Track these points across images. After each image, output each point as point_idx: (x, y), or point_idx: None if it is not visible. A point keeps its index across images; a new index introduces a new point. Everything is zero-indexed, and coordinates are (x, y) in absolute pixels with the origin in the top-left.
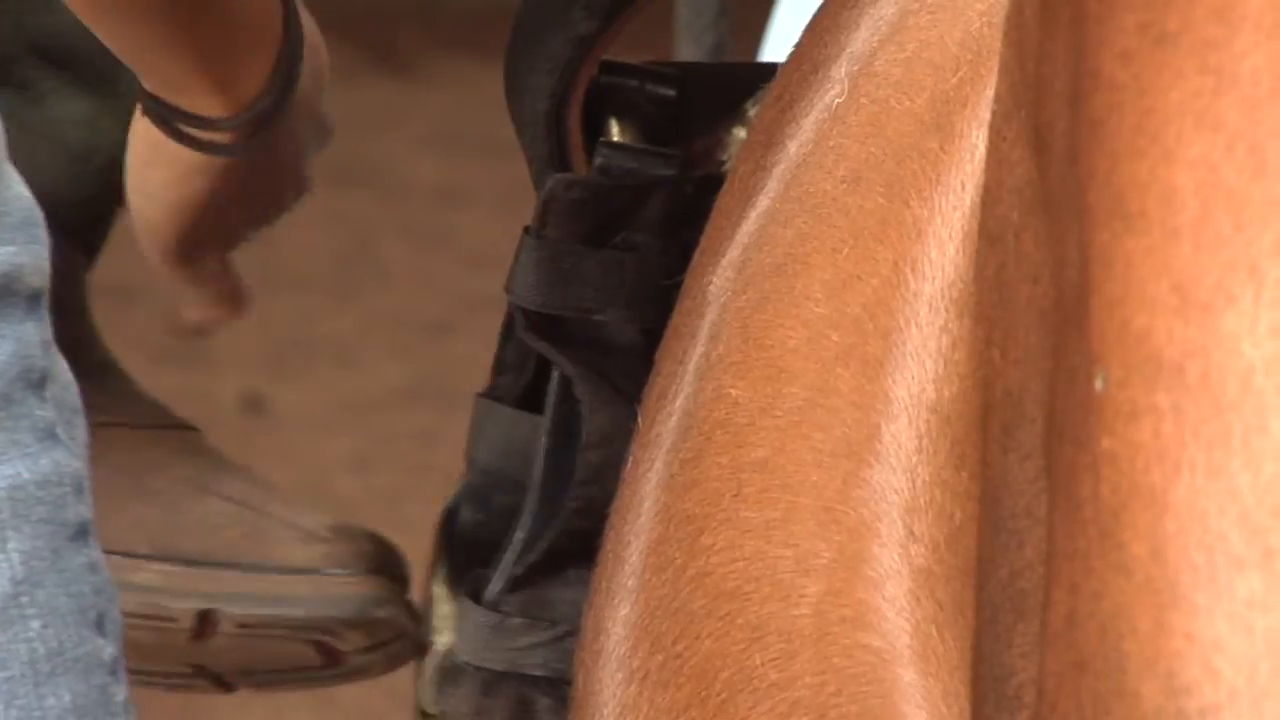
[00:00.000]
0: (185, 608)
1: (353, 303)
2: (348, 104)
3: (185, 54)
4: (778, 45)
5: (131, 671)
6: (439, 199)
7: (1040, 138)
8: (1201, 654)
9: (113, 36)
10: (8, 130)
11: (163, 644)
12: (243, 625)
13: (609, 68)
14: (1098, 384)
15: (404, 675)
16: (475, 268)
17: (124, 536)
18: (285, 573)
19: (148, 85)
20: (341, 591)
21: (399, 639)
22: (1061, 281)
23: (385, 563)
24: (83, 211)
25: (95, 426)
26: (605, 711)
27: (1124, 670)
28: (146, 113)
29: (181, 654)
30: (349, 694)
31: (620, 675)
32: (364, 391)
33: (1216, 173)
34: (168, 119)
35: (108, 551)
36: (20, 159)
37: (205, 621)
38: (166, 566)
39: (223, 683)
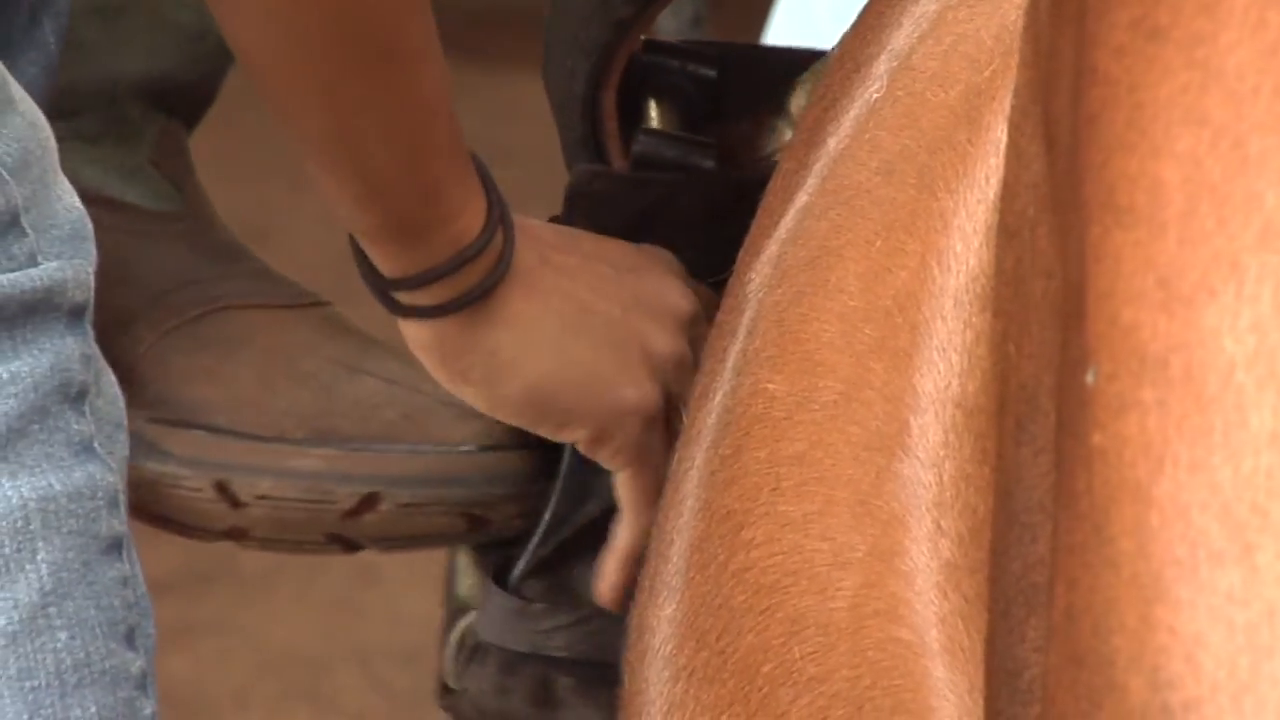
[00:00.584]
0: (349, 491)
1: (353, 307)
2: None
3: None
4: (782, 27)
5: (259, 539)
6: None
7: (1050, 132)
8: (1184, 648)
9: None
10: (128, 16)
11: (311, 521)
12: (403, 505)
13: (651, 46)
14: (1090, 377)
15: (403, 676)
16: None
17: (279, 421)
18: (446, 452)
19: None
20: (500, 468)
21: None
22: (1066, 275)
23: (534, 435)
24: (194, 91)
25: (234, 309)
26: (653, 710)
27: (1113, 664)
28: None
29: (326, 528)
30: (350, 695)
31: (667, 673)
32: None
33: (1201, 167)
34: (383, 288)
35: (263, 439)
36: (137, 45)
37: (366, 503)
38: (328, 450)
39: (353, 547)
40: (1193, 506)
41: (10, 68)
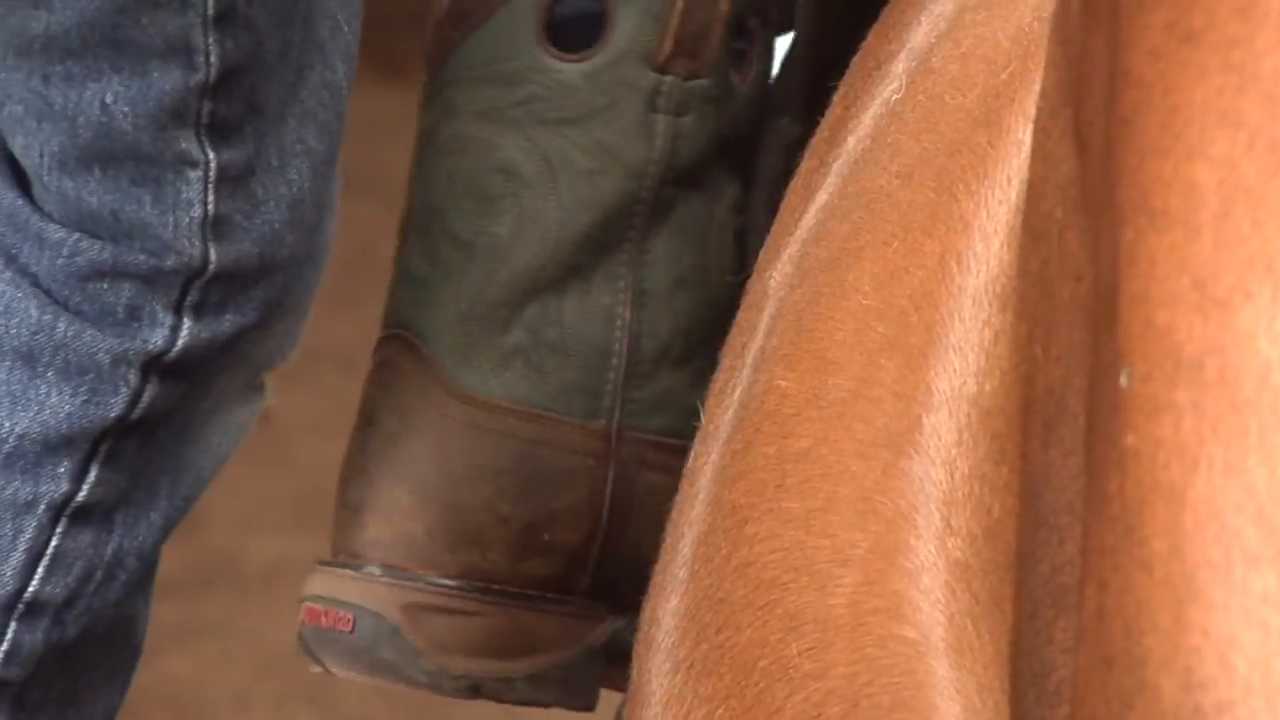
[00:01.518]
0: None
1: (355, 310)
2: (350, 113)
3: None
4: None
5: None
6: None
7: (1081, 135)
8: (1218, 650)
9: None
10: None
11: None
12: None
13: None
14: (1123, 380)
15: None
16: None
17: None
18: None
19: None
20: None
21: None
22: (1098, 278)
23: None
24: None
25: None
26: (653, 701)
27: (1145, 665)
28: None
29: None
30: (351, 698)
31: (668, 665)
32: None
33: (1237, 170)
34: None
35: None
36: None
37: None
38: None
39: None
40: (1227, 509)
41: None
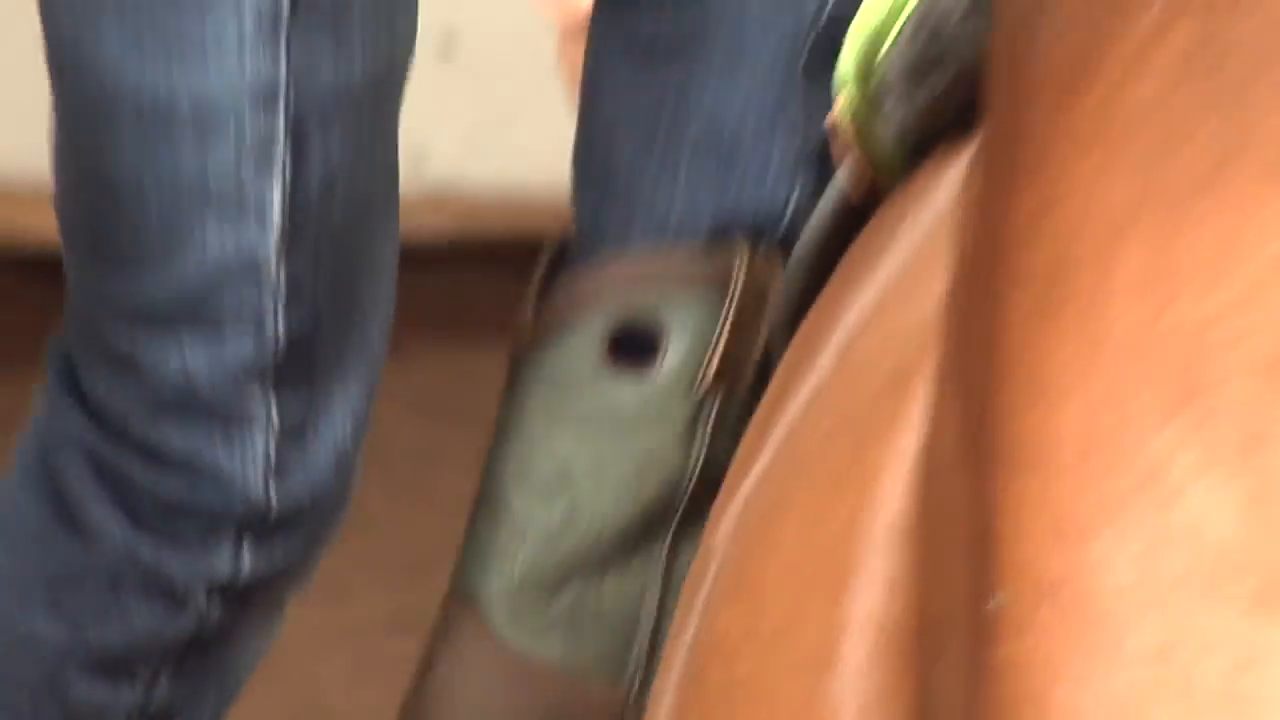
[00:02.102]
0: None
1: (340, 543)
2: None
3: None
4: None
5: None
6: (418, 459)
7: (965, 394)
8: None
9: None
10: None
11: None
12: None
13: None
14: (995, 603)
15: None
16: (452, 516)
17: None
18: None
19: None
20: None
21: None
22: (976, 517)
23: None
24: None
25: None
26: None
27: None
28: None
29: None
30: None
31: None
32: (354, 619)
33: (1092, 421)
34: None
35: None
36: None
37: None
38: None
39: None
40: (1084, 713)
41: None
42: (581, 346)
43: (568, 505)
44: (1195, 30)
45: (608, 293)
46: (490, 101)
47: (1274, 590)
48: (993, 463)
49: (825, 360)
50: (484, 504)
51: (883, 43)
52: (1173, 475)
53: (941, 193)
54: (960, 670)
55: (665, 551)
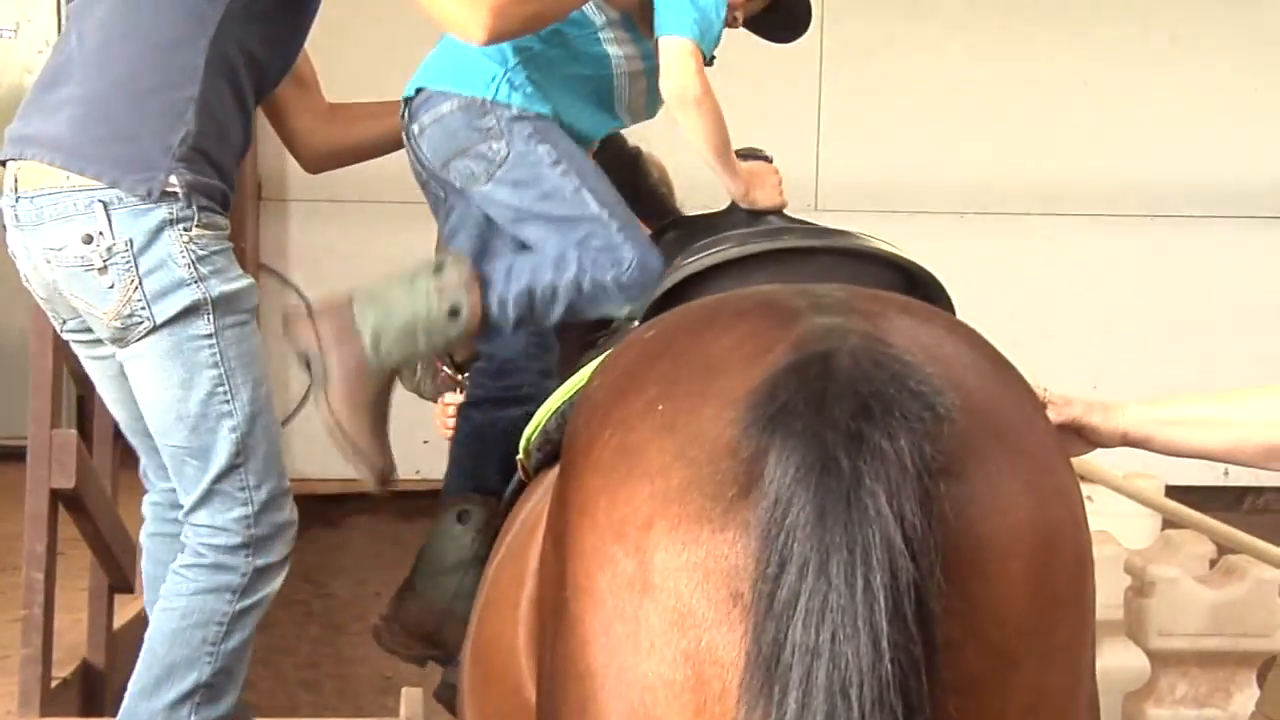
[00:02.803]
0: None
1: None
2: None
3: None
4: None
5: None
6: None
7: (547, 556)
8: None
9: None
10: None
11: None
12: None
13: None
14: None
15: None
16: None
17: None
18: None
19: None
20: None
21: None
22: (555, 560)
23: None
24: None
25: None
26: None
27: None
28: None
29: None
30: None
31: None
32: None
33: (611, 636)
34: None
35: None
36: None
37: None
38: None
39: None
40: None
41: None
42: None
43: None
44: (614, 435)
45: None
46: None
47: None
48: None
49: (519, 520)
50: None
51: (535, 431)
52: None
53: (549, 478)
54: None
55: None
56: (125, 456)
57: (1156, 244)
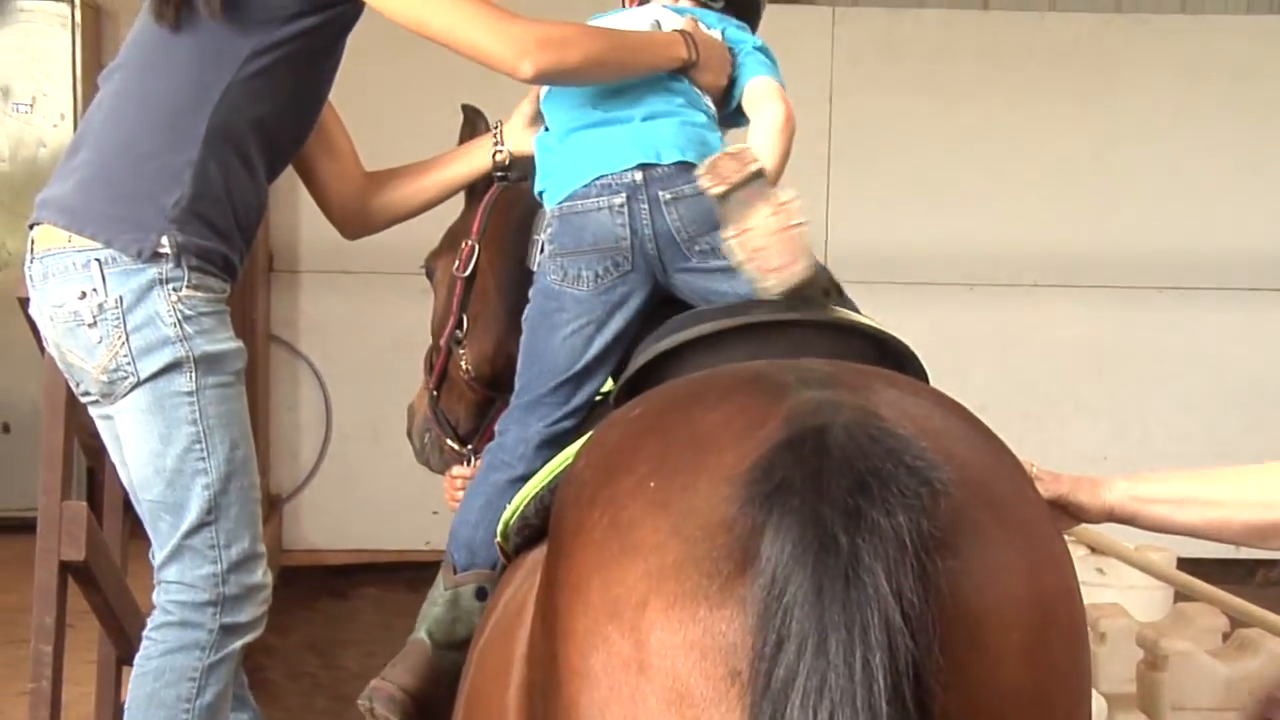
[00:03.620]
0: None
1: None
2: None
3: None
4: None
5: None
6: None
7: (535, 646)
8: None
9: None
10: None
11: None
12: None
13: None
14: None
15: None
16: None
17: None
18: None
19: None
20: None
21: None
22: (545, 639)
23: None
24: None
25: None
26: None
27: None
28: None
29: None
30: None
31: None
32: None
33: (613, 690)
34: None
35: None
36: None
37: None
38: None
39: None
40: None
41: None
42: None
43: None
44: (605, 514)
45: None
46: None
47: None
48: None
49: (501, 603)
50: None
51: (513, 516)
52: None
53: (532, 558)
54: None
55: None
56: (135, 528)
57: (1164, 316)
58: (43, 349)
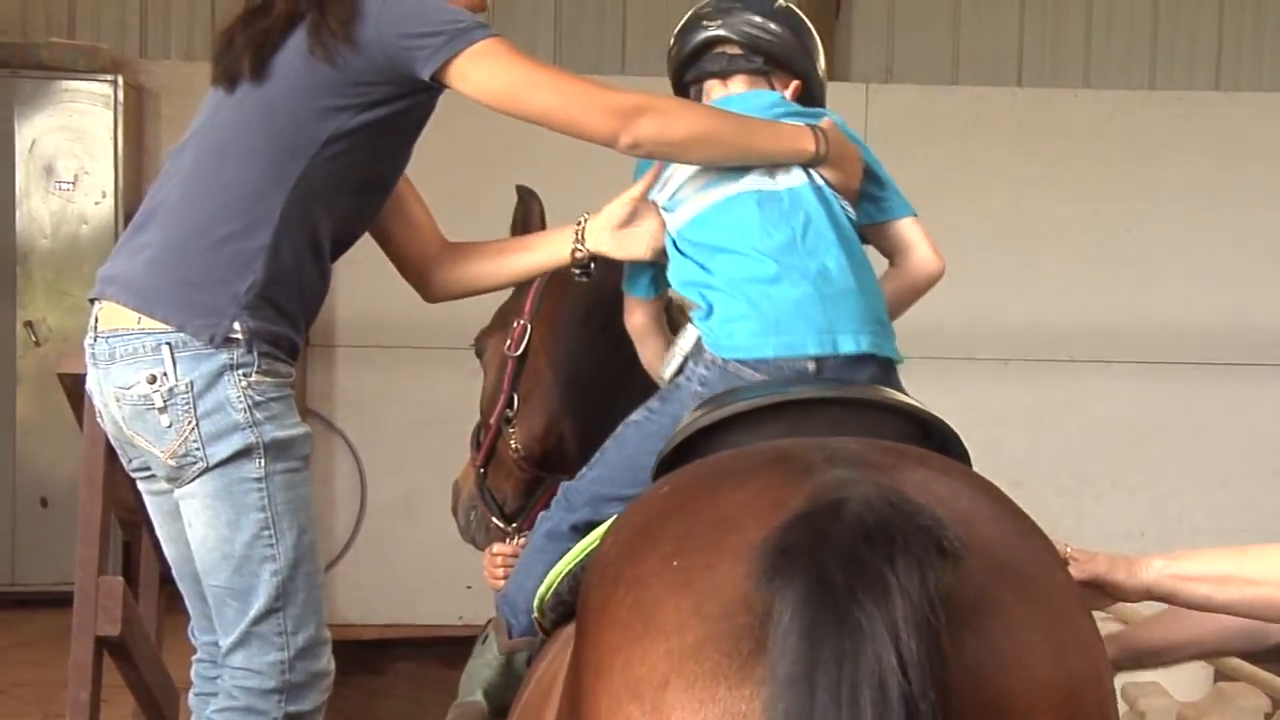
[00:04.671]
0: None
1: None
2: None
3: None
4: None
5: None
6: None
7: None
8: None
9: None
10: None
11: None
12: None
13: None
14: None
15: None
16: None
17: None
18: None
19: None
20: None
21: None
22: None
23: None
24: None
25: None
26: None
27: None
28: None
29: None
30: None
31: None
32: None
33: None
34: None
35: None
36: None
37: None
38: None
39: None
40: None
41: None
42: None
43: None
44: (629, 593)
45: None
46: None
47: None
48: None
49: (534, 678)
50: None
51: (548, 592)
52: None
53: (566, 633)
54: None
55: None
56: (171, 603)
57: (1201, 392)
58: (81, 423)
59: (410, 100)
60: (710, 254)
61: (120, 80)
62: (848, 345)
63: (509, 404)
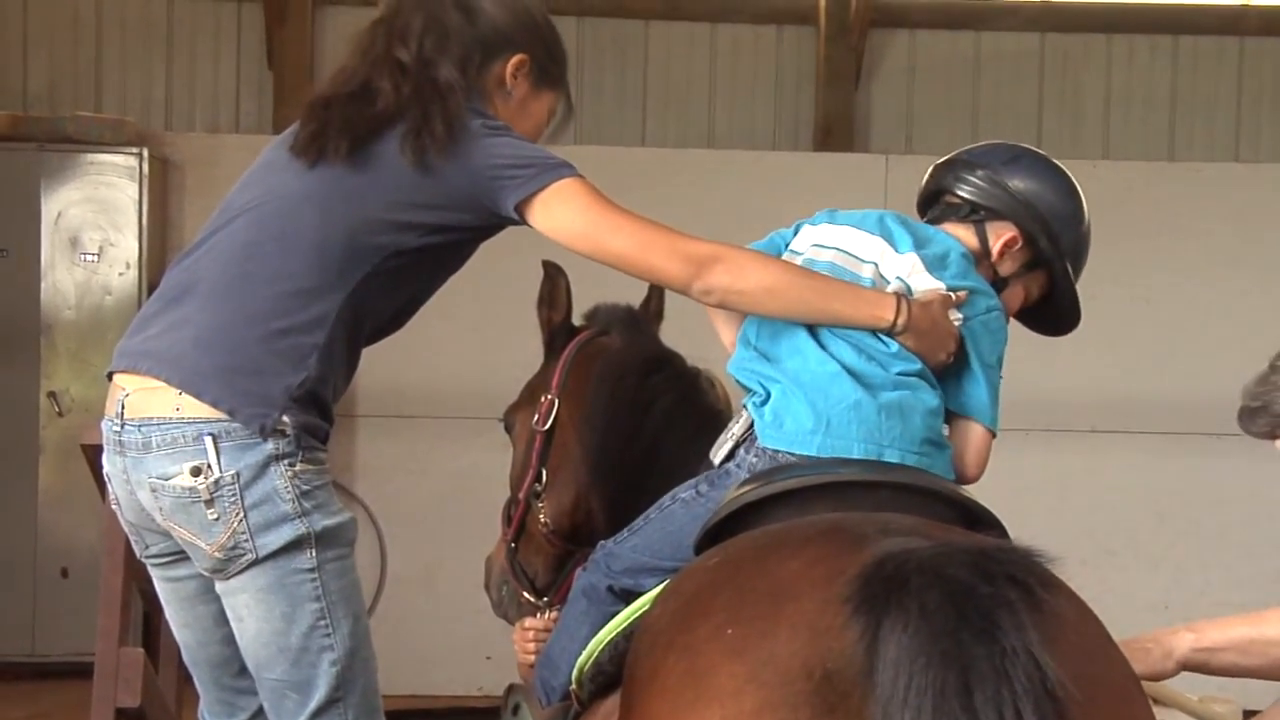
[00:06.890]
0: None
1: None
2: None
3: None
4: None
5: None
6: None
7: None
8: None
9: None
10: None
11: None
12: None
13: None
14: None
15: None
16: None
17: None
18: None
19: None
20: None
21: None
22: None
23: None
24: None
25: None
26: None
27: None
28: None
29: None
30: None
31: None
32: None
33: None
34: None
35: None
36: None
37: None
38: None
39: None
40: None
41: None
42: None
43: None
44: (680, 660)
45: None
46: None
47: None
48: None
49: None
50: None
51: (588, 661)
52: None
53: (604, 708)
54: None
55: None
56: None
57: (1224, 463)
58: (104, 495)
59: (475, 233)
60: (775, 345)
61: (145, 153)
62: (893, 456)
63: (537, 479)
